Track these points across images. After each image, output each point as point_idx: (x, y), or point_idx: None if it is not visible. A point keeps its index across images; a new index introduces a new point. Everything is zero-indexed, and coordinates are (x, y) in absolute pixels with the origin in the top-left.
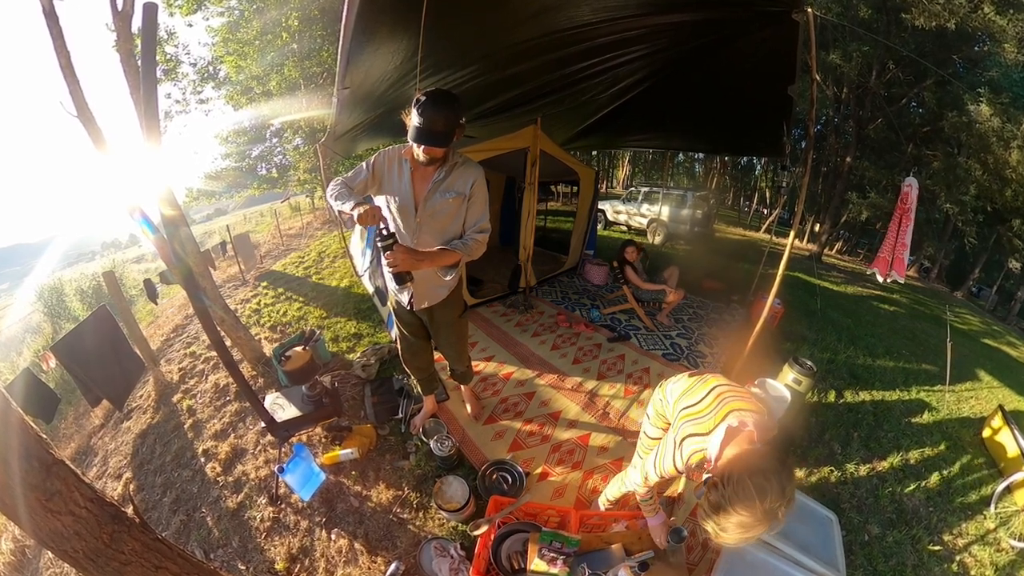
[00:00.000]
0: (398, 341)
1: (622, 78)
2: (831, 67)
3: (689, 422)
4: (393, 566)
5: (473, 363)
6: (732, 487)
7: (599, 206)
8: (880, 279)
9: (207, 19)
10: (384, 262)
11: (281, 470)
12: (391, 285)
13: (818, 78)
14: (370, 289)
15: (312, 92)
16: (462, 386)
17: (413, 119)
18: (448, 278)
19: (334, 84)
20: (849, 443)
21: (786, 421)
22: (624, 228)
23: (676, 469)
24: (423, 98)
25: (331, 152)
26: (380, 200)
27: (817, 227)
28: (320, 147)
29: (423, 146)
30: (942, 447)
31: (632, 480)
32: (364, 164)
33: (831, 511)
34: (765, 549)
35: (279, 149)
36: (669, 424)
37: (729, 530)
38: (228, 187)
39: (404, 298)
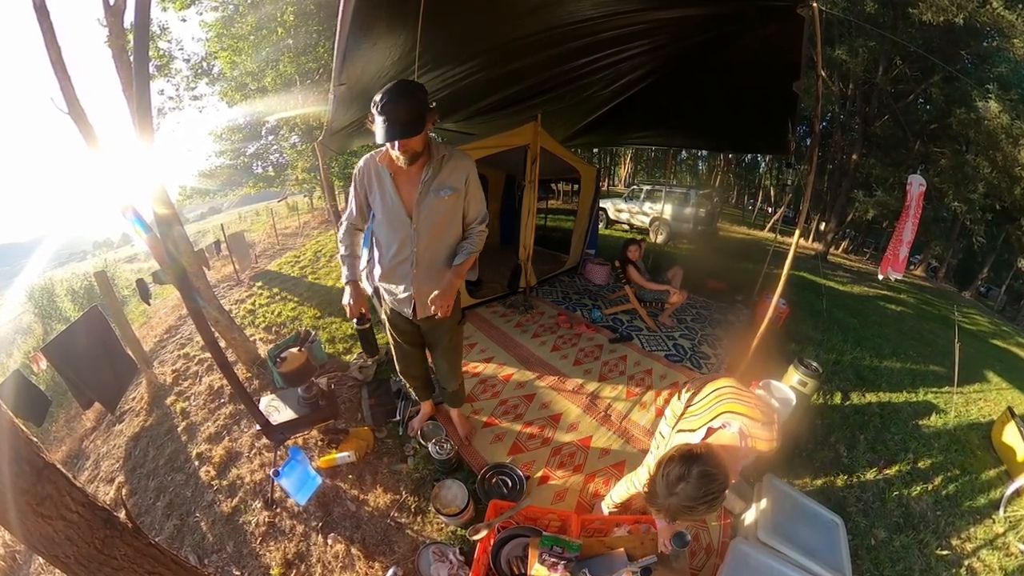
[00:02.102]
0: (393, 350)
1: (624, 74)
2: (837, 63)
3: (686, 419)
4: (391, 571)
5: (472, 364)
6: (665, 454)
7: (600, 204)
8: (880, 277)
9: (201, 14)
10: (384, 290)
11: (276, 474)
12: (389, 297)
13: (823, 74)
14: (368, 290)
15: (308, 88)
16: (453, 412)
17: (376, 121)
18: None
19: (330, 80)
20: (855, 446)
21: (791, 424)
22: (626, 227)
23: None
24: (379, 96)
25: (328, 150)
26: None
27: (823, 226)
28: (318, 145)
29: (394, 141)
30: (950, 450)
31: (640, 478)
32: (352, 189)
33: (837, 515)
34: (770, 553)
35: (275, 147)
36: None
37: (648, 493)
38: (222, 185)
39: (406, 309)
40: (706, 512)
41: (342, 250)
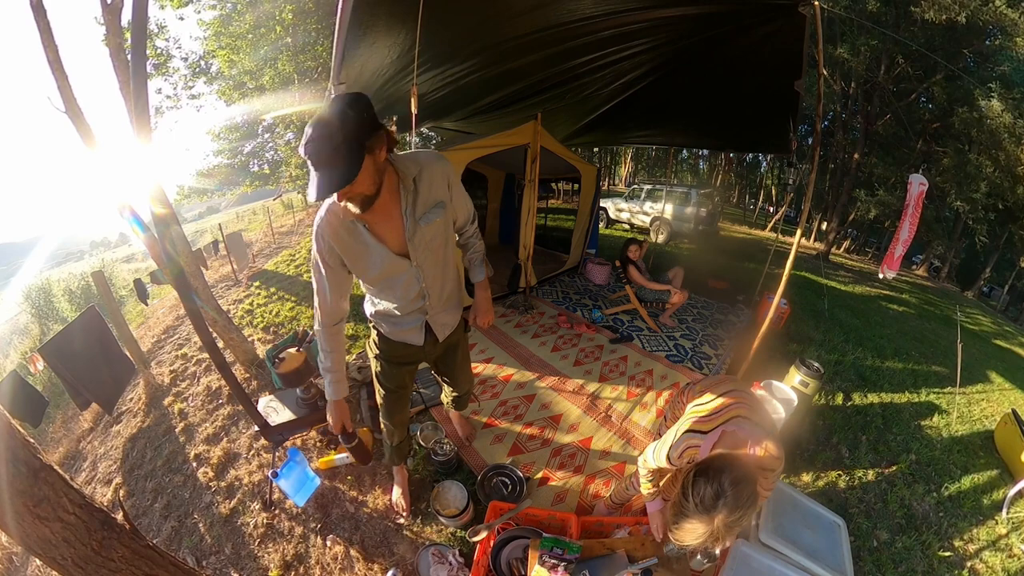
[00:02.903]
0: (383, 399)
1: (625, 72)
2: (839, 61)
3: (694, 419)
4: (390, 573)
5: (472, 365)
6: (681, 482)
7: (601, 204)
8: (881, 276)
9: (199, 12)
10: (386, 326)
11: (275, 475)
12: (392, 330)
13: (825, 73)
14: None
15: (306, 87)
16: (453, 413)
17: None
18: (460, 302)
19: (329, 79)
20: (857, 446)
21: (793, 424)
22: (627, 226)
23: (668, 460)
24: (306, 130)
25: None
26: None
27: (824, 225)
28: None
29: (332, 197)
30: (952, 451)
31: (636, 475)
32: (316, 264)
33: (839, 516)
34: (771, 555)
35: (271, 145)
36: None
37: (677, 524)
38: (220, 184)
39: (416, 339)
40: (752, 515)
41: (323, 361)
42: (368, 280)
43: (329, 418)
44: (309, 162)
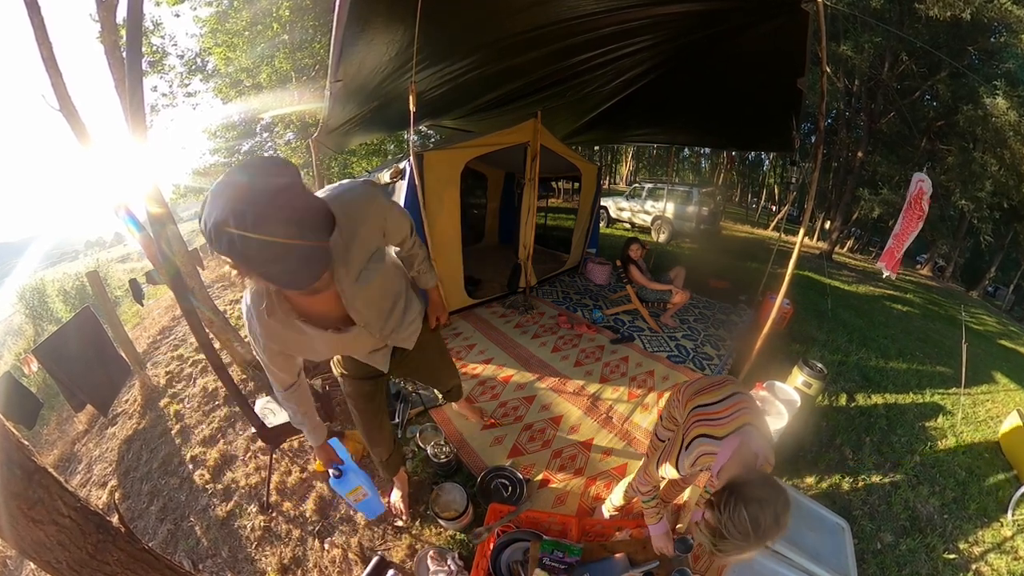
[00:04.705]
0: (357, 419)
1: (626, 70)
2: (842, 59)
3: (702, 422)
4: (390, 574)
5: (471, 366)
6: (728, 514)
7: (602, 203)
8: (884, 275)
9: (195, 9)
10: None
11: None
12: (359, 361)
13: (828, 70)
14: None
15: (304, 85)
16: (457, 405)
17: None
18: (416, 308)
19: (327, 77)
20: (861, 448)
21: (796, 426)
22: (628, 226)
23: (678, 469)
24: (238, 210)
25: (324, 147)
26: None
27: (827, 224)
28: (313, 142)
29: (248, 296)
30: (957, 452)
31: (637, 481)
32: (261, 355)
33: (842, 519)
34: (774, 558)
35: (270, 144)
36: (678, 425)
37: (725, 551)
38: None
39: (385, 363)
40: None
41: (293, 417)
42: (319, 359)
43: (320, 460)
44: (240, 237)
